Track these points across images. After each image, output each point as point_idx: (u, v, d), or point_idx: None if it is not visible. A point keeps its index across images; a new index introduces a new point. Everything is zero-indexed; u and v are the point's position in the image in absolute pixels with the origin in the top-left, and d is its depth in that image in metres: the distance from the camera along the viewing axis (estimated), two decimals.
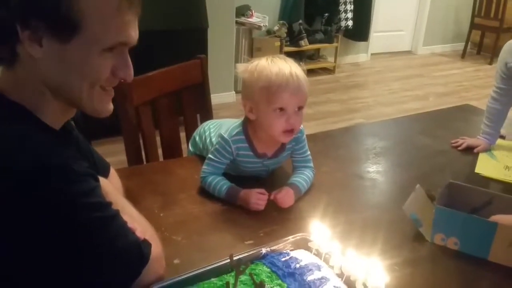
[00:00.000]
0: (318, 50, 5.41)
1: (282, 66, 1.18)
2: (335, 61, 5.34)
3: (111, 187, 1.04)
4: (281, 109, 1.19)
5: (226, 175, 1.31)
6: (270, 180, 1.36)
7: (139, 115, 1.52)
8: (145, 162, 1.57)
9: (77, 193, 0.74)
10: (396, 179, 1.47)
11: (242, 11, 4.40)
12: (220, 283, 0.91)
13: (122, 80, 0.84)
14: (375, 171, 1.48)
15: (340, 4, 5.16)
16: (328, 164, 1.50)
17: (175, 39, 3.23)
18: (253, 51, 4.56)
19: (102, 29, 0.75)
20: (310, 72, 5.14)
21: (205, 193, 1.28)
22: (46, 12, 0.71)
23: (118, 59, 0.80)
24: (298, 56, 5.15)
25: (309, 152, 1.36)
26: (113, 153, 1.82)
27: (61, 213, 0.73)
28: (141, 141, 1.56)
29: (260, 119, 1.22)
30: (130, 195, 1.22)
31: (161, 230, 1.12)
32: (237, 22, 4.27)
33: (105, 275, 0.79)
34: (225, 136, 1.27)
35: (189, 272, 0.90)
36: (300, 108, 1.21)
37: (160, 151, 1.64)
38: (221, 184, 1.26)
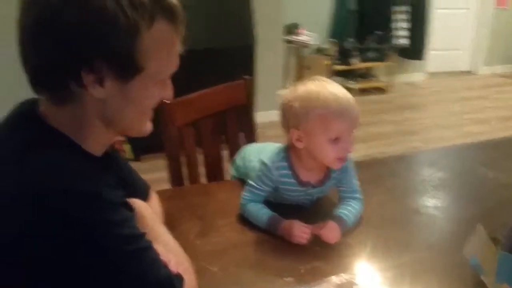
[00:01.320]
0: (370, 68, 5.28)
1: (335, 91, 1.11)
2: (388, 80, 5.19)
3: (150, 211, 1.01)
4: (337, 137, 1.11)
5: (267, 202, 1.25)
6: (314, 210, 1.28)
7: (182, 135, 1.48)
8: (186, 182, 1.53)
9: (108, 222, 0.72)
10: (456, 216, 1.34)
11: (291, 29, 4.37)
12: None
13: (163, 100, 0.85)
14: (433, 206, 1.35)
15: (394, 21, 5.02)
16: (379, 195, 1.39)
17: (222, 57, 3.23)
18: (302, 70, 4.50)
19: (160, 64, 0.77)
20: (361, 92, 5.05)
21: (245, 220, 1.22)
22: (115, 57, 0.71)
23: (166, 85, 0.84)
24: (349, 75, 5.05)
25: (357, 182, 1.27)
26: (158, 168, 1.80)
27: (90, 242, 0.70)
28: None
29: (311, 147, 1.15)
30: (168, 218, 1.18)
31: (197, 259, 1.06)
32: (285, 40, 4.24)
33: None
34: (267, 162, 1.20)
35: None
36: (352, 135, 1.14)
37: (202, 170, 1.60)
38: (262, 213, 1.19)
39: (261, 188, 1.22)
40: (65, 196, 0.68)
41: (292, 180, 1.21)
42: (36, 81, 0.74)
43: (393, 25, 5.05)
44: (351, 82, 4.97)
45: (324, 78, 1.18)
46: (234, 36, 3.48)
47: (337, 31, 4.99)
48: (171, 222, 1.18)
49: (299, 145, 1.16)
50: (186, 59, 2.75)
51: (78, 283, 0.71)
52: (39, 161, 0.70)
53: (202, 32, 3.35)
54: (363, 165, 1.57)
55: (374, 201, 1.34)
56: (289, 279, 1.01)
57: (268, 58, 3.92)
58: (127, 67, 0.73)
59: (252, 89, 1.69)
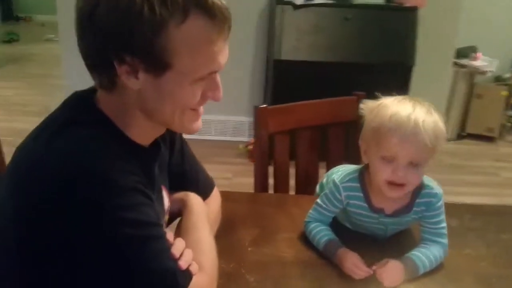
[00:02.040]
0: None
1: (404, 108, 0.98)
2: None
3: (199, 207, 1.01)
4: (389, 157, 0.99)
5: (337, 224, 1.16)
6: (388, 245, 1.13)
7: (275, 143, 1.46)
8: (273, 191, 1.50)
9: (114, 205, 0.72)
10: None
11: (465, 52, 3.96)
12: None
13: (211, 100, 0.84)
14: None
15: None
16: (476, 247, 1.17)
17: (376, 74, 3.08)
18: (471, 97, 4.06)
19: (193, 62, 0.75)
20: None
21: (307, 239, 1.14)
22: (141, 51, 0.73)
23: (209, 83, 0.81)
24: None
25: (444, 225, 1.09)
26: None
27: (94, 222, 0.72)
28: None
29: (369, 162, 1.05)
30: (230, 221, 1.18)
31: (239, 265, 1.04)
32: (456, 64, 3.86)
33: None
34: (337, 181, 1.11)
35: None
36: (416, 163, 0.98)
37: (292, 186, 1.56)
38: (322, 235, 1.10)
39: (327, 207, 1.13)
40: (74, 175, 0.71)
41: (363, 204, 1.10)
42: (87, 63, 0.79)
43: None
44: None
45: (418, 99, 1.04)
46: (392, 54, 3.32)
47: None
48: (232, 225, 1.19)
49: (365, 159, 1.07)
50: (335, 71, 2.78)
51: (80, 264, 0.73)
52: (65, 138, 0.75)
53: (356, 45, 3.27)
54: (474, 210, 1.36)
55: (466, 252, 1.14)
56: None
57: (432, 81, 3.63)
58: (153, 62, 0.73)
59: None
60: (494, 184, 3.33)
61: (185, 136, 1.04)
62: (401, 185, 1.00)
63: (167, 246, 0.80)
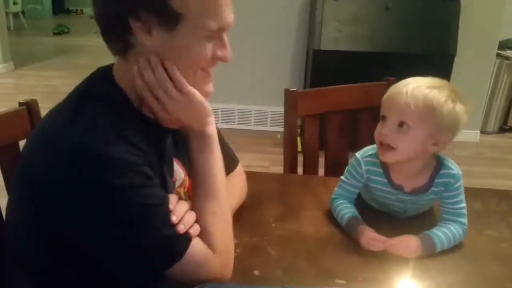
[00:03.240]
0: None
1: (411, 81, 1.06)
2: None
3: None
4: (383, 117, 1.07)
5: (362, 202, 1.21)
6: (408, 225, 1.15)
7: (305, 126, 1.51)
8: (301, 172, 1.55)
9: (113, 186, 0.76)
10: None
11: (509, 44, 3.85)
12: None
13: (219, 61, 0.87)
14: None
15: None
16: (498, 229, 1.18)
17: (417, 63, 3.04)
18: None
19: (201, 15, 0.79)
20: None
21: (331, 217, 1.19)
22: (154, 5, 0.77)
23: (218, 42, 0.84)
24: None
25: (463, 205, 1.11)
26: None
27: (90, 199, 0.76)
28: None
29: None
30: (257, 198, 1.24)
31: (262, 239, 1.10)
32: (499, 55, 3.76)
33: (132, 263, 0.81)
34: (358, 156, 1.16)
35: (237, 285, 0.88)
36: (401, 124, 1.04)
37: (322, 170, 1.60)
38: (345, 212, 1.15)
39: (350, 182, 1.18)
40: (79, 153, 0.75)
41: (383, 179, 1.14)
42: (102, 32, 0.84)
43: None
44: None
45: (439, 80, 1.07)
46: (433, 44, 3.28)
47: None
48: (259, 202, 1.25)
49: None
50: (375, 61, 2.80)
51: (80, 243, 0.79)
52: (80, 114, 0.80)
53: (396, 35, 3.25)
54: (500, 195, 1.36)
55: (488, 233, 1.16)
56: (342, 281, 0.97)
57: (474, 71, 3.56)
58: (165, 13, 0.77)
59: None
60: None
61: (223, 126, 1.07)
62: (389, 147, 1.05)
63: (164, 220, 0.81)
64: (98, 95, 0.84)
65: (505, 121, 4.01)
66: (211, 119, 0.93)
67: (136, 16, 0.78)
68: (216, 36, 0.83)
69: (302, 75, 3.70)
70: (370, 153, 1.16)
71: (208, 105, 0.90)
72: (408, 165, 1.10)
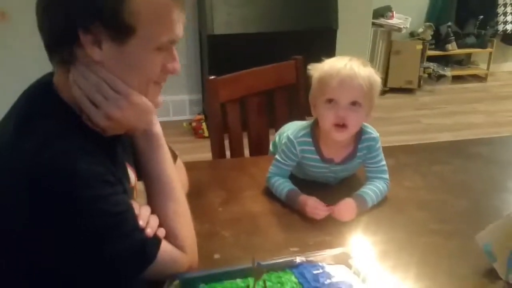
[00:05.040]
0: (469, 55, 4.93)
1: (342, 60, 1.15)
2: (488, 68, 4.81)
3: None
4: (331, 100, 1.15)
5: (293, 178, 1.29)
6: (340, 188, 1.28)
7: (226, 112, 1.56)
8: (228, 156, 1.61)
9: (82, 197, 0.76)
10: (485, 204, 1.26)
11: (382, 12, 4.22)
12: (242, 285, 0.90)
13: (169, 74, 0.87)
14: (464, 195, 1.29)
15: (499, 6, 4.62)
16: (413, 180, 1.36)
17: (301, 40, 3.23)
18: (390, 54, 4.35)
19: (154, 29, 0.79)
20: (457, 79, 4.74)
21: (270, 193, 1.27)
22: (105, 17, 0.76)
23: (167, 55, 0.84)
24: (443, 61, 4.77)
25: (384, 163, 1.26)
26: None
27: (60, 214, 0.75)
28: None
29: (317, 113, 1.20)
30: (198, 187, 1.27)
31: (214, 225, 1.15)
32: (374, 24, 4.11)
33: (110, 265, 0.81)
34: (291, 137, 1.24)
35: (213, 270, 0.92)
36: (354, 103, 1.14)
37: (247, 150, 1.67)
38: (283, 186, 1.23)
39: (285, 162, 1.26)
40: (42, 172, 0.73)
41: (315, 156, 1.24)
42: (46, 41, 0.81)
43: (498, 10, 4.65)
44: (445, 68, 4.69)
45: (358, 58, 1.18)
46: (316, 19, 3.47)
47: (435, 15, 4.71)
48: (200, 191, 1.28)
49: (314, 113, 1.21)
50: (267, 41, 2.89)
51: (49, 255, 0.78)
52: (31, 134, 0.77)
53: (284, 14, 3.39)
54: (406, 149, 1.55)
55: (406, 184, 1.33)
56: (295, 249, 1.05)
57: (353, 42, 3.84)
58: (117, 27, 0.76)
59: (303, 69, 1.71)
60: (418, 131, 3.66)
61: None
62: (344, 126, 1.15)
63: (134, 225, 0.82)
64: (43, 111, 0.81)
65: (384, 84, 4.42)
66: (154, 117, 0.92)
67: (86, 29, 0.76)
68: (166, 49, 0.83)
69: (198, 62, 3.71)
70: (302, 133, 1.24)
71: (148, 103, 0.87)
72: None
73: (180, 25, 0.83)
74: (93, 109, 0.81)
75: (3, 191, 0.75)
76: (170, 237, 0.88)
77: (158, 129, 0.94)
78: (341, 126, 1.15)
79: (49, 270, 0.80)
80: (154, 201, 0.91)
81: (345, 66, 1.13)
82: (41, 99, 0.83)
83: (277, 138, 1.48)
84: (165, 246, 0.86)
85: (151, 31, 0.79)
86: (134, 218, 0.83)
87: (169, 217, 0.90)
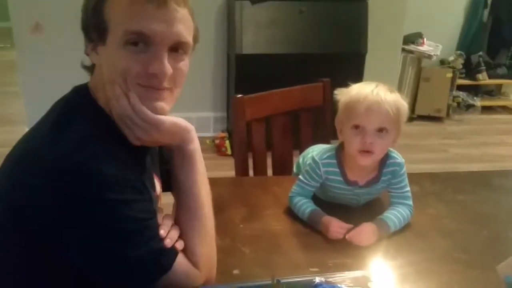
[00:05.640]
0: (499, 86, 4.87)
1: (368, 86, 1.16)
2: None
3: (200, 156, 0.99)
4: (357, 127, 1.15)
5: (315, 199, 1.29)
6: (362, 212, 1.28)
7: (251, 130, 1.58)
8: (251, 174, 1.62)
9: (108, 201, 0.78)
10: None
11: (412, 38, 4.22)
12: None
13: (155, 77, 0.82)
14: (486, 225, 1.27)
15: None
16: (437, 208, 1.35)
17: (329, 63, 3.25)
18: (419, 81, 4.33)
19: (119, 22, 0.80)
20: (486, 109, 4.68)
21: (291, 213, 1.27)
22: (96, 21, 0.81)
23: (147, 55, 0.81)
24: (473, 91, 4.72)
25: (408, 189, 1.25)
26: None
27: (85, 216, 0.78)
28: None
29: (343, 138, 1.20)
30: (221, 203, 1.28)
31: (234, 240, 1.16)
32: (404, 50, 4.11)
33: (124, 276, 0.83)
34: (316, 158, 1.25)
35: (232, 284, 0.92)
36: (381, 130, 1.15)
37: (270, 170, 1.68)
38: (306, 206, 1.24)
39: (308, 183, 1.27)
40: (71, 173, 0.76)
41: (339, 178, 1.24)
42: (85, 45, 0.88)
43: None
44: (474, 98, 4.63)
45: (384, 85, 1.19)
46: (345, 43, 3.50)
47: (466, 44, 4.68)
48: (222, 206, 1.30)
49: (340, 137, 1.21)
50: (294, 62, 2.93)
51: (70, 257, 0.80)
52: (66, 139, 0.80)
53: (312, 36, 3.43)
54: (432, 177, 1.54)
55: (429, 212, 1.32)
56: (315, 269, 1.05)
57: (383, 67, 3.84)
58: (101, 26, 0.80)
59: (329, 91, 1.72)
60: (444, 160, 3.61)
61: None
62: (370, 152, 1.16)
63: (154, 234, 0.84)
64: (78, 115, 0.84)
65: (412, 111, 4.39)
66: (191, 134, 0.92)
67: (89, 37, 0.84)
68: (143, 47, 0.80)
69: (225, 80, 3.77)
70: (327, 155, 1.25)
71: (184, 123, 0.89)
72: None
73: (156, 20, 0.79)
74: (126, 129, 0.84)
75: (34, 191, 0.78)
76: (187, 252, 0.90)
77: (194, 146, 0.93)
78: (367, 152, 1.16)
79: (68, 271, 0.82)
80: (179, 214, 0.93)
81: (372, 92, 1.14)
82: (77, 103, 0.87)
83: (301, 160, 1.49)
84: (180, 259, 0.88)
85: (118, 25, 0.80)
86: (156, 226, 0.85)
87: (190, 233, 0.91)
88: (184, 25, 0.83)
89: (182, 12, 0.83)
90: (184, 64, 0.87)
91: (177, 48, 0.84)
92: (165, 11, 0.80)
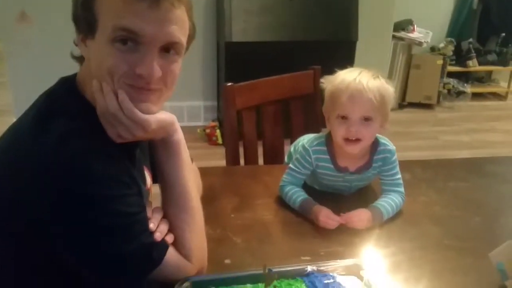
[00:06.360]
0: (489, 73, 4.89)
1: (352, 74, 1.14)
2: (508, 87, 4.75)
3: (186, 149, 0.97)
4: (343, 116, 1.14)
5: (308, 188, 1.28)
6: (354, 200, 1.27)
7: (242, 119, 1.56)
8: (242, 163, 1.61)
9: (99, 196, 0.76)
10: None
11: (403, 25, 4.21)
12: None
13: (142, 78, 0.79)
14: (478, 212, 1.27)
15: None
16: (428, 195, 1.34)
17: (319, 50, 3.23)
18: (410, 68, 4.32)
19: (109, 17, 0.76)
20: (477, 96, 4.70)
21: (282, 202, 1.26)
22: (86, 15, 0.78)
23: (135, 55, 0.77)
24: (463, 77, 4.74)
25: (399, 176, 1.25)
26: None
27: (73, 211, 0.76)
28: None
29: (330, 127, 1.20)
30: (212, 192, 1.28)
31: (225, 230, 1.15)
32: (395, 37, 4.10)
33: (117, 270, 0.82)
34: (306, 145, 1.24)
35: (224, 274, 0.92)
36: (366, 119, 1.14)
37: (261, 159, 1.67)
38: (297, 195, 1.23)
39: (299, 170, 1.26)
40: (58, 168, 0.74)
41: (330, 165, 1.24)
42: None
43: None
44: (465, 84, 4.65)
45: (369, 70, 1.17)
46: (335, 30, 3.48)
47: (456, 30, 4.69)
48: (213, 196, 1.29)
49: (328, 126, 1.21)
50: (284, 50, 2.90)
51: (60, 253, 0.78)
52: (51, 133, 0.77)
53: (303, 24, 3.40)
54: (423, 164, 1.54)
55: (421, 199, 1.32)
56: (306, 258, 1.04)
57: (374, 54, 3.83)
58: (91, 20, 0.77)
59: (320, 79, 1.71)
60: (435, 147, 3.62)
61: None
62: (356, 140, 1.15)
63: (144, 228, 0.83)
64: (63, 109, 0.81)
65: (403, 98, 4.40)
66: (175, 126, 0.90)
67: (78, 28, 0.80)
68: (132, 46, 0.77)
69: (215, 69, 3.74)
70: (317, 142, 1.24)
71: (168, 117, 0.87)
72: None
73: (145, 18, 0.75)
74: (109, 128, 0.81)
75: (20, 186, 0.76)
76: (178, 245, 0.88)
77: (178, 136, 0.91)
78: (354, 140, 1.15)
79: (58, 266, 0.81)
80: (167, 208, 0.92)
81: (355, 80, 1.12)
82: (62, 96, 0.85)
83: (292, 149, 1.48)
84: (171, 252, 0.86)
85: (105, 21, 0.77)
86: (145, 220, 0.84)
87: (179, 225, 0.90)
88: (177, 26, 0.79)
89: (177, 12, 0.78)
90: (176, 65, 0.83)
91: (168, 49, 0.80)
92: (157, 11, 0.76)
